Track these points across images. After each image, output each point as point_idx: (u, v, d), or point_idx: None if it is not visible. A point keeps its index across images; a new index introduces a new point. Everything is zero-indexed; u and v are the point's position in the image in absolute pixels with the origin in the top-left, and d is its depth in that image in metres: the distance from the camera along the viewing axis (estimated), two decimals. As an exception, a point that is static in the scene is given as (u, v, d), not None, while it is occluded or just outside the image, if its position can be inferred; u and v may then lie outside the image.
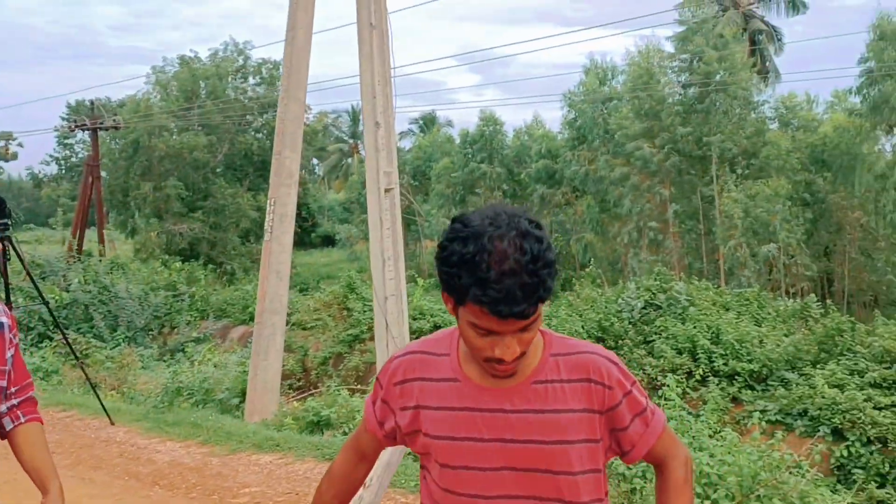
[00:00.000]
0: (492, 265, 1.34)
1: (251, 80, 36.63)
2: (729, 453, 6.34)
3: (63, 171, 43.59)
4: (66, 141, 42.00)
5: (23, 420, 2.21)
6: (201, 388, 7.52)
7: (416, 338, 12.49)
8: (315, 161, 64.62)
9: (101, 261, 21.79)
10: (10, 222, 5.37)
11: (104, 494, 4.72)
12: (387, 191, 7.69)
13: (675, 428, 7.24)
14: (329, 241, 48.95)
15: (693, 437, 7.07)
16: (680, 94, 24.92)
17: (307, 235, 51.74)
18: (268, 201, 6.97)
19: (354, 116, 60.88)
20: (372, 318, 18.70)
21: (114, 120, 26.67)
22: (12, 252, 5.43)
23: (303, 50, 7.04)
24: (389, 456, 2.03)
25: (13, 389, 2.15)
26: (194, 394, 7.45)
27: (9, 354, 2.12)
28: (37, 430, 2.27)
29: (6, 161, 68.66)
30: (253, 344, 7.17)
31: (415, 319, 17.75)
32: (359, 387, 14.51)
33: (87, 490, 4.82)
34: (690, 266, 24.72)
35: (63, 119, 35.14)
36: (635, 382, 1.62)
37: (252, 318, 20.46)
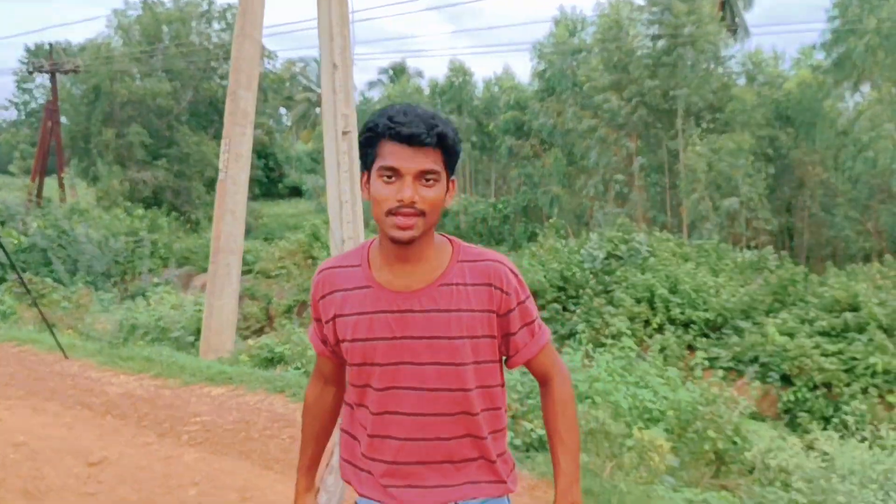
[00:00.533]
0: (401, 110, 1.62)
1: (216, 26, 35.81)
2: (673, 391, 6.57)
3: (23, 117, 42.53)
4: (24, 85, 40.90)
5: None
6: (157, 327, 7.57)
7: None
8: (283, 111, 63.77)
9: (60, 206, 21.49)
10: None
11: (56, 423, 4.79)
12: (344, 133, 7.67)
13: (623, 368, 7.45)
14: (297, 191, 48.56)
15: (639, 376, 7.29)
16: (648, 48, 24.89)
17: (274, 186, 51.18)
18: (222, 141, 6.94)
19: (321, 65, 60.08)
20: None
21: (73, 64, 25.98)
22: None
23: (258, -12, 6.95)
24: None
25: None
26: (150, 332, 7.51)
27: None
28: None
29: (-37, 106, 67.01)
30: (207, 283, 7.20)
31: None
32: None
33: (39, 419, 4.89)
34: (655, 219, 24.99)
35: (21, 63, 34.26)
36: (529, 297, 1.77)
37: (216, 267, 20.51)
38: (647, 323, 14.41)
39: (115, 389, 5.33)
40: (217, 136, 36.37)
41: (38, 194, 23.75)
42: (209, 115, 36.40)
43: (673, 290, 14.58)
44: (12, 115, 42.57)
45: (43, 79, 37.39)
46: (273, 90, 46.46)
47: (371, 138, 1.63)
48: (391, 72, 54.07)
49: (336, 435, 2.22)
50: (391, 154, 1.59)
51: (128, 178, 32.87)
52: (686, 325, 14.04)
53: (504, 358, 1.81)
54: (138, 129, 32.70)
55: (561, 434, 1.80)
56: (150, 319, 7.75)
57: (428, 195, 1.60)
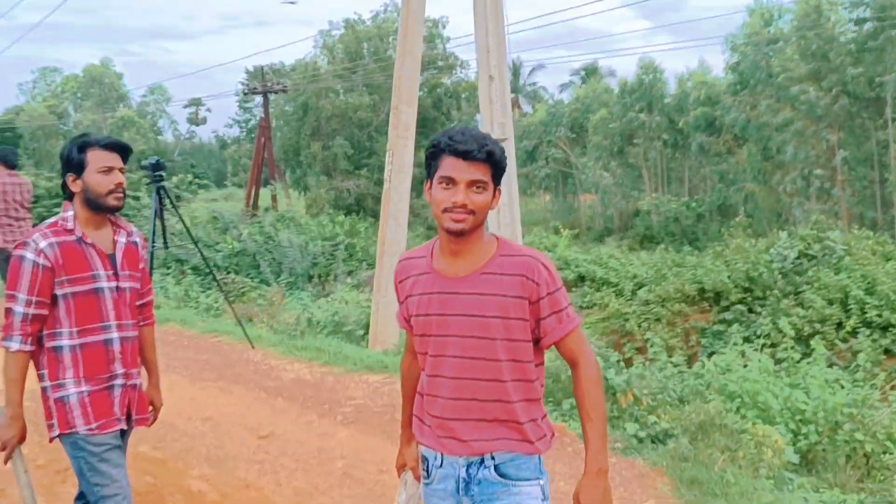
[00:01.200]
0: (460, 131, 2.03)
1: (411, 39, 37.57)
2: (833, 393, 6.38)
3: (244, 133, 47.05)
4: (245, 105, 45.22)
5: (142, 324, 2.95)
6: (332, 321, 8.45)
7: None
8: (479, 117, 65.36)
9: (271, 214, 23.62)
10: (164, 174, 6.36)
11: (237, 403, 5.62)
12: (501, 141, 8.11)
13: (786, 369, 7.28)
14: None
15: (801, 378, 7.08)
16: (854, 31, 23.17)
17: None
18: (387, 153, 7.60)
19: (515, 71, 60.88)
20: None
21: (282, 84, 28.49)
22: (167, 200, 6.42)
23: (418, 11, 7.55)
24: (413, 488, 2.54)
25: (144, 290, 2.96)
26: (326, 326, 8.40)
27: (141, 265, 2.91)
28: (150, 332, 3.10)
29: (196, 125, 74.97)
30: (374, 282, 7.90)
31: (560, 269, 18.09)
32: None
33: (225, 399, 5.74)
34: (862, 216, 23.21)
35: (242, 84, 37.96)
36: (560, 288, 2.10)
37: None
38: (839, 326, 13.56)
39: (288, 375, 6.11)
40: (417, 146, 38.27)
41: (254, 205, 26.27)
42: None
43: (870, 291, 13.60)
44: (235, 132, 47.51)
45: (260, 98, 41.12)
46: (465, 98, 47.95)
47: (434, 153, 2.04)
48: (583, 73, 53.85)
49: None
50: (449, 166, 1.99)
51: (333, 186, 35.38)
52: (884, 328, 13.06)
53: (537, 340, 2.12)
54: (342, 142, 35.12)
55: (587, 410, 2.08)
56: (327, 314, 8.68)
57: (477, 199, 2.00)
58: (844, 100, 21.91)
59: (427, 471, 2.19)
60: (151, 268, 6.75)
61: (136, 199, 19.01)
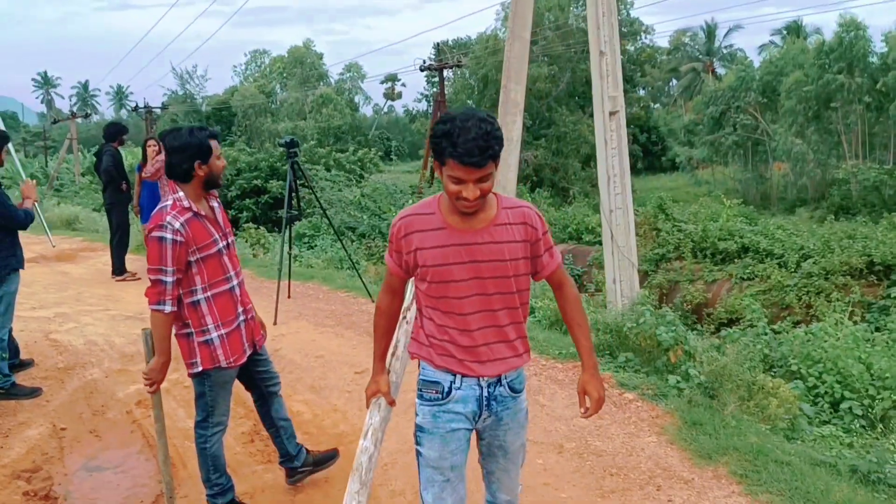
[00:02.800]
0: (461, 134, 2.23)
1: (592, 8, 37.25)
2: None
3: (429, 107, 48.92)
4: (433, 79, 46.91)
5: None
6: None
7: (700, 256, 12.95)
8: (673, 82, 63.27)
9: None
10: (298, 151, 7.43)
11: (346, 344, 6.58)
12: (612, 114, 8.46)
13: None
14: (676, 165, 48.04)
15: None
16: None
17: (657, 160, 51.41)
18: (496, 127, 8.24)
19: (710, 33, 58.26)
20: (679, 240, 19.09)
21: (456, 59, 29.48)
22: (299, 172, 7.49)
23: (527, -6, 8.06)
24: (385, 412, 3.16)
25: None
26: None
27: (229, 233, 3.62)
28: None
29: (392, 101, 78.52)
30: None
31: (722, 240, 17.77)
32: (660, 305, 14.97)
33: (336, 341, 6.74)
34: None
35: (429, 59, 39.52)
36: (548, 231, 2.57)
37: (571, 238, 22.03)
38: None
39: (393, 324, 7.04)
40: (592, 115, 38.04)
41: (431, 177, 27.62)
42: (586, 94, 38.18)
43: None
44: (423, 106, 49.53)
45: (448, 72, 42.49)
46: (650, 63, 46.72)
47: (441, 150, 2.29)
48: (784, 32, 50.57)
49: (398, 331, 3.29)
50: (457, 169, 2.25)
51: (512, 157, 36.10)
52: None
53: (532, 273, 2.57)
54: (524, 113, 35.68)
55: (577, 320, 2.63)
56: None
57: (484, 187, 2.31)
58: None
59: (443, 393, 2.50)
60: (290, 232, 7.91)
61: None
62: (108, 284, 9.77)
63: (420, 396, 2.57)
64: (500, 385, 2.51)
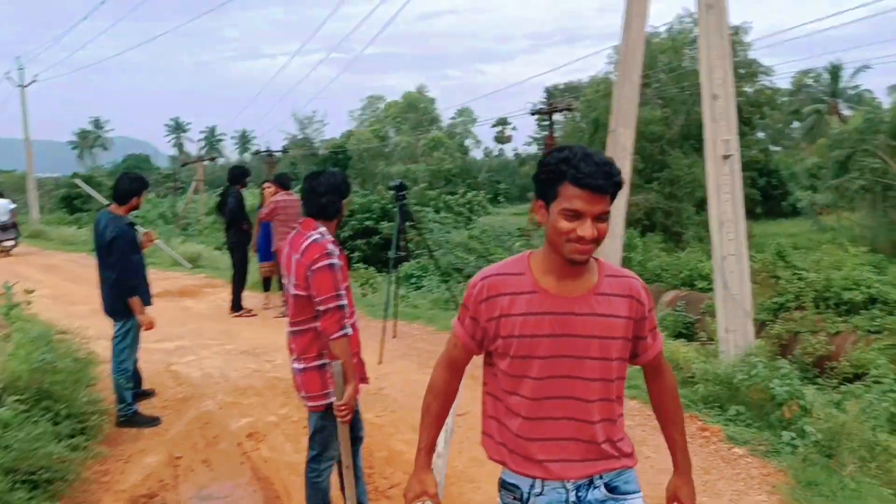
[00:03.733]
0: (582, 159, 1.95)
1: (708, 50, 36.59)
2: None
3: (540, 150, 49.08)
4: (543, 123, 47.05)
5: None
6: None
7: (823, 306, 12.37)
8: (795, 124, 61.09)
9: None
10: (406, 194, 7.63)
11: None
12: (725, 157, 8.24)
13: None
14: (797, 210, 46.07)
15: None
16: None
17: (777, 205, 49.50)
18: (604, 171, 8.19)
19: (834, 73, 56.08)
20: (800, 289, 18.28)
21: (567, 103, 29.54)
22: (408, 214, 7.68)
23: (637, 39, 8.04)
24: (451, 422, 2.99)
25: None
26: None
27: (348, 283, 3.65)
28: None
29: (503, 144, 79.12)
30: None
31: (846, 289, 16.86)
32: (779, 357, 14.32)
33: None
34: None
35: (541, 103, 39.71)
36: (654, 308, 2.24)
37: (683, 284, 21.43)
38: None
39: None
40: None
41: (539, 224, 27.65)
42: (701, 137, 37.24)
43: None
44: (534, 149, 49.74)
45: (560, 115, 42.49)
46: (770, 105, 45.26)
47: (554, 178, 1.97)
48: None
49: (450, 421, 3.07)
50: (576, 198, 1.93)
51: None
52: None
53: (631, 356, 2.22)
54: (633, 156, 35.20)
55: (674, 414, 2.32)
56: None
57: (602, 228, 1.98)
58: None
59: (522, 499, 2.14)
60: (397, 273, 8.07)
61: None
62: (226, 320, 10.21)
63: (501, 498, 2.22)
64: (594, 487, 2.13)
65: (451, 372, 2.29)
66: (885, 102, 45.22)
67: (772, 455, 4.61)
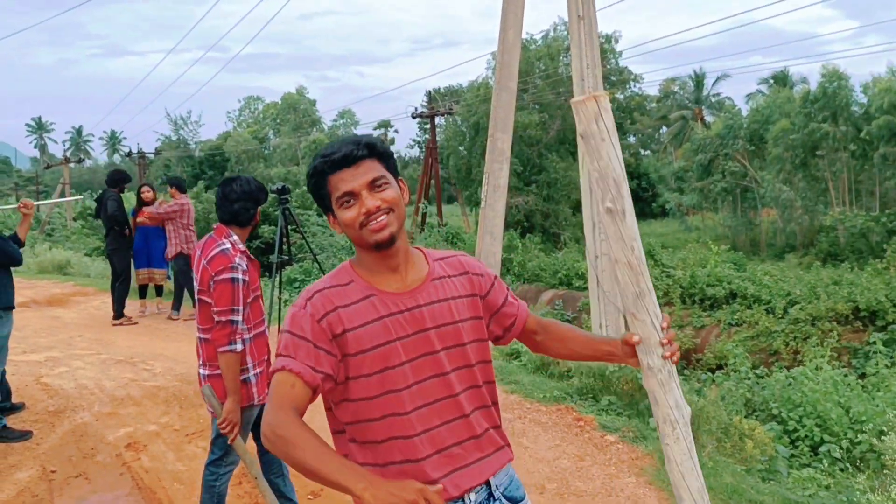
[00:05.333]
0: (326, 147, 1.81)
1: (581, 57, 37.99)
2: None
3: (423, 153, 49.51)
4: (425, 126, 47.50)
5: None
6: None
7: (689, 302, 13.01)
8: (664, 129, 64.16)
9: (437, 230, 25.04)
10: (289, 197, 7.61)
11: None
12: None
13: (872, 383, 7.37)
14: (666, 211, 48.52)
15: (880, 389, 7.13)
16: None
17: (647, 206, 51.90)
18: (484, 175, 8.43)
19: (698, 82, 59.28)
20: (668, 285, 19.21)
21: (448, 106, 29.99)
22: (290, 218, 7.66)
23: (513, 47, 8.33)
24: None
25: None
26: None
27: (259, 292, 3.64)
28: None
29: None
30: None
31: (710, 286, 17.95)
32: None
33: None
34: None
35: (421, 106, 40.10)
36: (498, 276, 2.05)
37: (561, 283, 22.14)
38: None
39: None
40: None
41: (422, 222, 27.88)
42: (575, 142, 38.66)
43: None
44: (416, 152, 50.11)
45: (440, 118, 42.98)
46: (639, 111, 47.45)
47: (318, 182, 1.81)
48: (771, 81, 51.54)
49: None
50: (340, 182, 1.76)
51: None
52: None
53: (498, 336, 2.05)
54: (512, 159, 36.09)
55: (575, 331, 2.10)
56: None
57: (386, 195, 1.77)
58: None
59: None
60: (281, 278, 8.05)
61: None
62: (99, 328, 9.84)
63: None
64: (494, 500, 1.88)
65: (294, 414, 1.64)
66: (744, 109, 48.23)
67: (640, 441, 4.93)
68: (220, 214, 3.55)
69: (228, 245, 3.43)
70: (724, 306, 17.52)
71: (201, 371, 3.51)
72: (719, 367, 14.08)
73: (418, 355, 1.80)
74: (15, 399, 6.33)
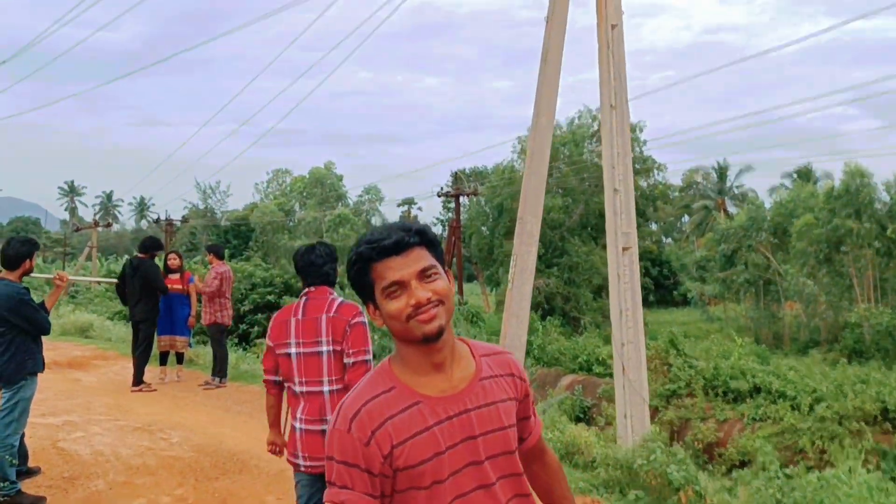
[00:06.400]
0: (371, 233, 1.72)
1: (606, 144, 38.57)
2: None
3: (445, 231, 49.96)
4: (448, 205, 48.06)
5: None
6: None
7: (712, 394, 12.79)
8: (686, 218, 64.38)
9: (458, 308, 24.98)
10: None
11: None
12: (625, 249, 8.66)
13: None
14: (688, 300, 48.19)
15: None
16: None
17: (669, 294, 51.64)
18: (511, 257, 8.44)
19: (721, 173, 59.73)
20: (690, 376, 18.92)
21: (473, 188, 30.41)
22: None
23: (545, 133, 8.46)
24: None
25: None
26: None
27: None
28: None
29: (408, 223, 79.80)
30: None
31: (733, 378, 17.65)
32: (671, 443, 14.65)
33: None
34: None
35: (447, 186, 40.65)
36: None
37: (581, 368, 21.88)
38: None
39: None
40: (604, 246, 38.71)
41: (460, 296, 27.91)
42: (598, 227, 38.90)
43: None
44: (438, 230, 50.55)
45: (463, 198, 43.49)
46: (662, 200, 47.75)
47: (362, 268, 1.69)
48: (795, 175, 51.84)
49: None
50: (387, 270, 1.65)
51: (523, 284, 36.43)
52: None
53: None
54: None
55: (566, 493, 2.02)
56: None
57: (437, 286, 1.66)
58: None
59: None
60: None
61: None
62: (118, 394, 9.78)
63: None
64: None
65: None
66: (767, 202, 48.37)
67: (669, 541, 4.76)
68: (310, 280, 3.74)
69: (341, 300, 3.68)
70: (747, 400, 17.17)
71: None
72: (742, 462, 13.72)
73: (464, 465, 1.68)
74: (31, 463, 6.26)
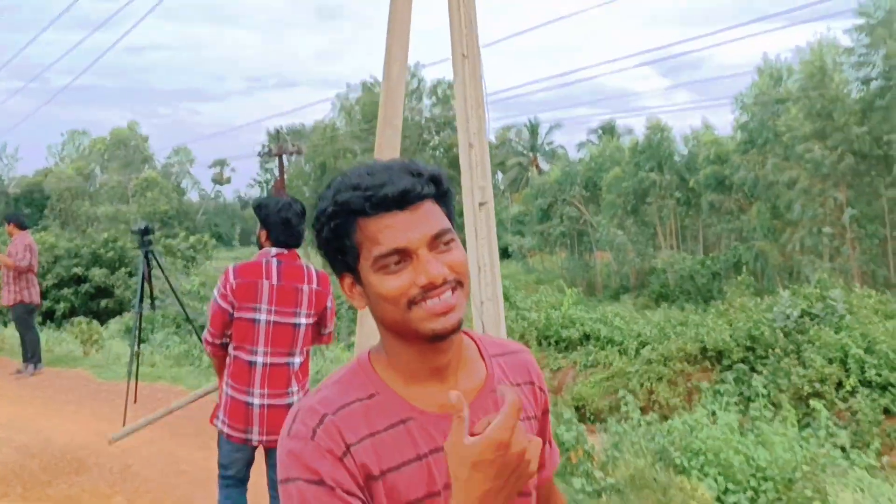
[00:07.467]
0: (363, 172, 1.14)
1: (426, 101, 38.63)
2: (790, 450, 6.51)
3: (265, 193, 48.18)
4: (267, 165, 46.40)
5: None
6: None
7: (545, 344, 12.87)
8: (499, 175, 66.29)
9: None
10: (152, 238, 6.76)
11: (214, 456, 5.91)
12: (481, 204, 8.40)
13: (751, 427, 7.41)
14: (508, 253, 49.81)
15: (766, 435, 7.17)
16: (860, 91, 23.50)
17: (488, 248, 53.08)
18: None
19: (533, 130, 61.87)
20: (524, 328, 19.32)
21: (296, 147, 29.41)
22: (154, 262, 6.81)
23: (398, 82, 7.94)
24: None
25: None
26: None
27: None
28: None
29: (221, 185, 76.52)
30: (357, 337, 8.14)
31: (564, 328, 18.25)
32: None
33: (201, 454, 6.03)
34: (874, 274, 23.18)
35: (262, 145, 39.05)
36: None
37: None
38: (839, 385, 13.56)
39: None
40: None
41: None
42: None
43: (869, 350, 13.63)
44: (256, 192, 48.66)
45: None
46: (481, 157, 48.68)
47: (342, 225, 1.12)
48: (600, 131, 54.65)
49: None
50: (384, 231, 1.10)
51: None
52: (883, 387, 13.04)
53: None
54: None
55: None
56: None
57: (455, 260, 1.13)
58: (850, 158, 22.16)
59: None
60: (140, 326, 7.12)
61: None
62: None
63: None
64: None
65: None
66: (575, 157, 50.72)
67: (572, 506, 4.57)
68: (282, 241, 3.37)
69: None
70: (578, 348, 17.84)
71: (296, 398, 3.33)
72: (577, 408, 14.22)
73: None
74: None
